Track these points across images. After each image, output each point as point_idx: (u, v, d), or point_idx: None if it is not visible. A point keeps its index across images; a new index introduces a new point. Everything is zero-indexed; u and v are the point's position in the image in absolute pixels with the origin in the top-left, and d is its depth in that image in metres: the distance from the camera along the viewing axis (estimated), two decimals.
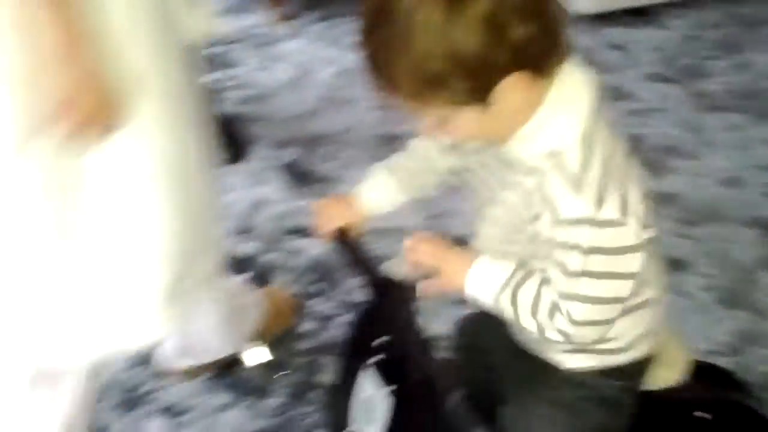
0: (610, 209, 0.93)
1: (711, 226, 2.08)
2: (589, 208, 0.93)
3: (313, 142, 2.36)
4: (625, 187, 0.95)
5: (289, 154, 2.31)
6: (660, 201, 2.13)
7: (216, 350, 1.74)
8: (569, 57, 0.97)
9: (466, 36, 0.89)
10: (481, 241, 1.10)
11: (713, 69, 2.56)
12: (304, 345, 1.83)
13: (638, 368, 1.20)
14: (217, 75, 2.50)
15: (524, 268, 1.04)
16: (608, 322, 1.03)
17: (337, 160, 2.27)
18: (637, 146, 2.28)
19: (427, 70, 0.91)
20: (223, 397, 1.73)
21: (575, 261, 0.96)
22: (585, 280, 0.97)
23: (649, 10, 2.77)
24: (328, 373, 1.65)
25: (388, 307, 1.24)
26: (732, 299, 1.91)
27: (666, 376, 1.30)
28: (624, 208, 0.94)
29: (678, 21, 2.75)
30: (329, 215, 1.24)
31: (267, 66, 2.59)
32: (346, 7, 2.81)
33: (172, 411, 1.71)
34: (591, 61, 2.56)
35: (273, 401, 1.72)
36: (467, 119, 0.95)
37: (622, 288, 1.00)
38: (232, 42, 2.62)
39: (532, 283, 1.02)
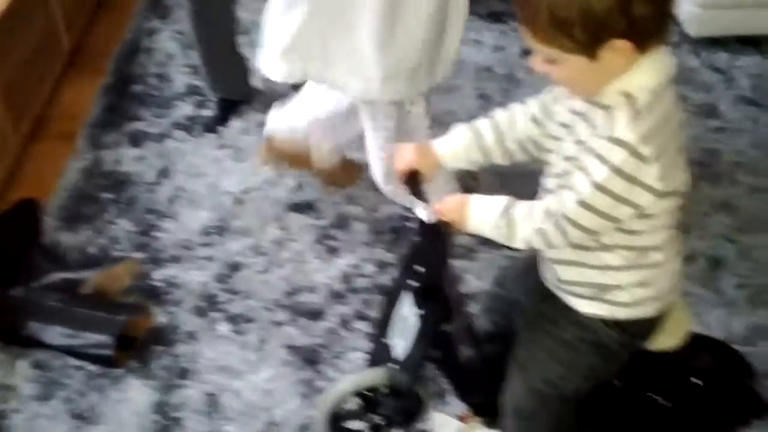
0: (648, 149, 1.17)
1: (760, 236, 2.26)
2: (636, 138, 1.17)
3: None
4: (665, 145, 1.20)
5: None
6: (720, 208, 2.33)
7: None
8: (664, 42, 1.20)
9: (600, 1, 1.12)
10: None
11: None
12: (361, 283, 2.15)
13: (640, 327, 1.40)
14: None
15: (513, 200, 1.29)
16: (594, 233, 1.25)
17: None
18: (714, 159, 2.48)
19: (560, 13, 1.14)
20: (281, 315, 2.07)
21: (600, 171, 1.19)
22: (598, 192, 1.20)
23: (758, 39, 2.91)
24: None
25: (426, 244, 1.50)
26: (759, 299, 2.10)
27: (666, 340, 1.48)
28: (657, 155, 1.18)
29: None
30: (405, 157, 1.43)
31: None
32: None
33: (236, 320, 2.06)
34: (691, 80, 2.77)
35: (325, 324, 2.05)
36: (572, 65, 1.20)
37: (621, 212, 1.22)
38: None
39: (523, 204, 1.28)
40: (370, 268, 2.18)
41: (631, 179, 1.19)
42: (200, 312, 2.08)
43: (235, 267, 2.19)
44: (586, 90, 1.24)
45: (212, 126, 2.61)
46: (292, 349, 1.99)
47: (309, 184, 2.39)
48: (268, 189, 2.40)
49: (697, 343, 1.62)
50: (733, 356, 1.68)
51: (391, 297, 1.60)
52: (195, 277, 2.16)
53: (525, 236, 1.28)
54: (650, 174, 1.19)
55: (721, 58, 2.87)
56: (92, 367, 1.94)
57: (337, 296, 2.11)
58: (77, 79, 2.85)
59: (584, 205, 1.21)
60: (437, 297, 1.49)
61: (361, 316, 2.05)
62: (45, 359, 1.96)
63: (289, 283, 2.14)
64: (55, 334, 1.94)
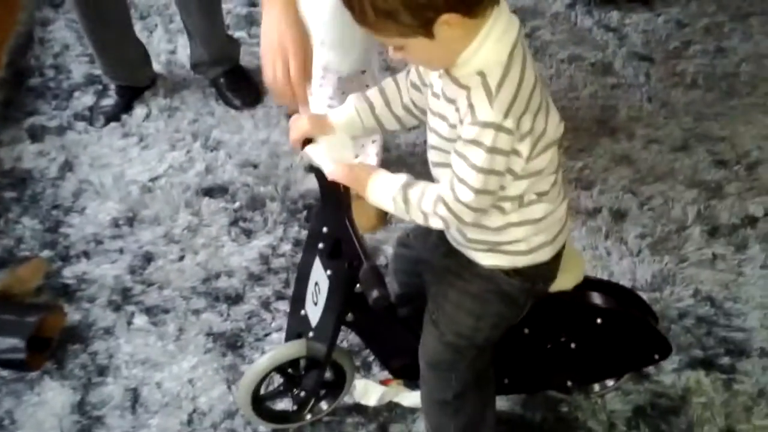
0: (511, 121, 1.23)
1: (658, 185, 2.36)
2: (498, 115, 1.23)
3: None
4: (529, 106, 1.25)
5: None
6: (620, 162, 2.42)
7: None
8: (497, 1, 1.23)
9: None
10: (430, 162, 1.40)
11: (694, 52, 2.80)
12: (279, 263, 2.15)
13: (539, 272, 1.48)
14: (242, 33, 2.85)
15: (412, 179, 1.35)
16: (485, 209, 1.32)
17: None
18: (612, 115, 2.57)
19: (381, 6, 1.18)
20: (199, 303, 2.06)
21: (477, 156, 1.25)
22: (482, 175, 1.26)
23: None
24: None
25: (326, 203, 1.54)
26: (661, 247, 2.19)
27: (564, 280, 1.56)
28: (523, 121, 1.25)
29: (672, 8, 2.98)
30: (300, 126, 1.47)
31: None
32: None
33: (153, 312, 2.05)
34: (586, 39, 2.84)
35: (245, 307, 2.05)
36: (417, 47, 1.24)
37: (507, 181, 1.30)
38: (256, 5, 2.96)
39: (418, 186, 1.34)
40: (287, 248, 2.18)
41: (507, 152, 1.26)
42: (115, 306, 2.05)
43: (148, 257, 2.16)
44: (442, 64, 1.29)
45: (114, 115, 2.56)
46: (213, 335, 1.99)
47: (219, 167, 2.38)
48: (177, 175, 2.37)
49: (600, 287, 1.72)
50: (634, 299, 1.78)
51: (303, 267, 1.63)
52: (107, 270, 2.13)
53: (421, 217, 1.34)
54: (523, 142, 1.26)
55: (613, 16, 2.95)
56: (5, 373, 1.90)
57: (255, 278, 2.11)
58: None
59: (473, 190, 1.28)
60: (343, 254, 1.50)
61: (282, 296, 2.06)
62: None
63: (205, 270, 2.13)
64: None
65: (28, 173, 2.40)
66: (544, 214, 1.40)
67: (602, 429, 1.83)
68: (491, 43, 1.24)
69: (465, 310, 1.49)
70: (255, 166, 2.40)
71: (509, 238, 1.41)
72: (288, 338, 1.69)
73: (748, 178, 2.38)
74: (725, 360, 1.95)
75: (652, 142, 2.48)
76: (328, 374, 1.72)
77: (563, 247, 1.50)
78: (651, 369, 1.91)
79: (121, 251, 2.18)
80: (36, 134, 2.52)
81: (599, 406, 1.86)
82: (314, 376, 1.66)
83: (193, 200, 2.31)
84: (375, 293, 1.35)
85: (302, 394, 1.72)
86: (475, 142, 1.24)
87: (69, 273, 2.13)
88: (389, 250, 2.10)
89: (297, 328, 1.66)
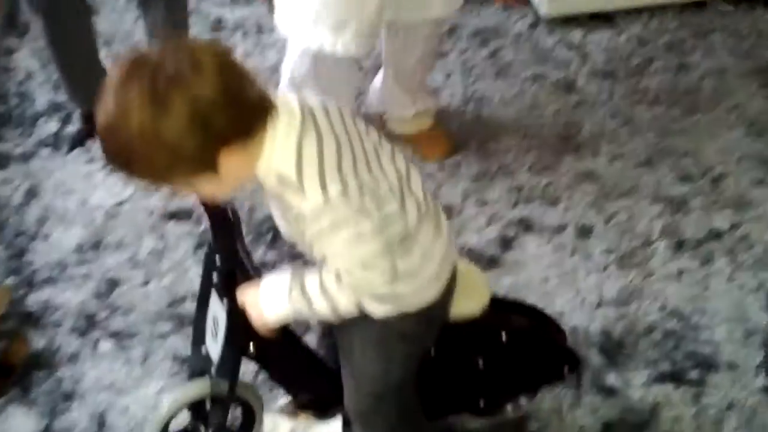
0: (334, 188, 1.20)
1: (622, 201, 2.37)
2: (318, 196, 1.20)
3: None
4: (342, 168, 1.22)
5: None
6: (584, 178, 2.44)
7: None
8: (272, 106, 1.21)
9: (177, 137, 1.12)
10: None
11: (656, 68, 2.83)
12: None
13: (431, 309, 1.44)
14: None
15: (298, 271, 1.33)
16: (389, 269, 1.28)
17: None
18: (576, 132, 2.59)
19: (157, 165, 1.15)
20: (164, 327, 2.04)
21: (339, 239, 1.22)
22: (358, 247, 1.23)
23: (611, 15, 3.04)
24: None
25: (216, 230, 1.50)
26: (628, 262, 2.21)
27: (468, 305, 1.55)
28: (344, 181, 1.21)
29: (634, 26, 3.02)
30: None
31: (257, 51, 2.93)
32: None
33: (118, 336, 2.03)
34: (549, 58, 2.87)
35: None
36: (209, 183, 1.22)
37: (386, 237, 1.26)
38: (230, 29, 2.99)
39: (312, 276, 1.31)
40: None
41: (353, 216, 1.22)
42: (80, 332, 2.03)
43: (113, 283, 2.15)
44: (238, 186, 1.27)
45: (79, 141, 2.54)
46: (179, 359, 1.97)
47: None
48: (141, 200, 2.36)
49: (503, 306, 1.71)
50: (539, 315, 1.76)
51: (200, 304, 1.57)
52: (72, 296, 2.11)
53: (325, 303, 1.32)
54: (355, 202, 1.22)
55: (575, 35, 2.98)
56: None
57: None
58: None
59: (364, 266, 1.26)
60: (239, 281, 1.46)
61: None
62: None
63: (170, 294, 2.12)
64: None
65: None
66: (419, 262, 1.37)
67: None
68: (279, 149, 1.22)
69: (370, 358, 1.47)
70: None
71: (392, 293, 1.36)
72: (192, 375, 1.61)
73: (713, 192, 2.40)
74: (694, 373, 1.96)
75: (617, 158, 2.50)
76: (236, 412, 1.65)
77: (453, 271, 1.47)
78: (619, 383, 1.92)
79: (86, 277, 2.16)
80: (0, 162, 2.50)
81: (568, 423, 1.85)
82: (220, 414, 1.58)
83: (158, 224, 2.30)
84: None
85: None
86: (329, 230, 1.22)
87: (34, 299, 2.10)
88: None
89: (199, 364, 1.59)
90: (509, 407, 1.79)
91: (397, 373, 1.49)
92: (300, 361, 1.62)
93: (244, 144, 1.18)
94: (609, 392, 1.91)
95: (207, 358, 1.55)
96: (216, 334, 1.51)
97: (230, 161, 1.18)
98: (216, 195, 1.33)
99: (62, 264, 2.19)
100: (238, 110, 1.16)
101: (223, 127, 1.14)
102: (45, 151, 2.52)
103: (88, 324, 2.05)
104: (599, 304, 2.09)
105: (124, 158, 1.17)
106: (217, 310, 1.51)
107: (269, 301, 1.35)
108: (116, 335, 2.02)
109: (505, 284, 2.14)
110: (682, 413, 1.88)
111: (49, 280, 2.15)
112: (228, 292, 1.46)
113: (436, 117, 2.56)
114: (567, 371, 1.74)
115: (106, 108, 1.17)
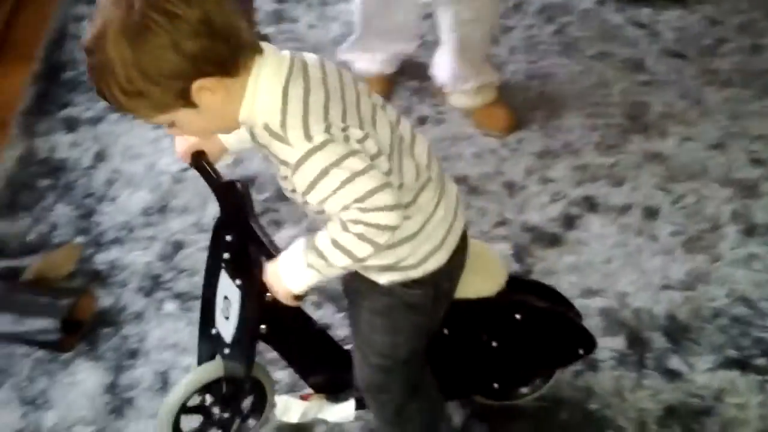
0: (318, 134, 1.17)
1: (690, 183, 2.33)
2: (303, 144, 1.18)
3: None
4: (328, 116, 1.19)
5: None
6: (651, 159, 2.40)
7: None
8: (258, 50, 1.19)
9: (152, 59, 1.11)
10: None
11: (728, 49, 2.77)
12: None
13: (436, 277, 1.41)
14: (272, 29, 2.86)
15: (309, 237, 1.29)
16: (391, 202, 1.22)
17: None
18: (644, 112, 2.54)
19: (128, 88, 1.13)
20: None
21: (325, 186, 1.18)
22: (339, 195, 1.18)
23: None
24: None
25: (226, 209, 1.46)
26: (694, 245, 2.17)
27: (484, 286, 1.53)
28: (328, 128, 1.18)
29: (706, 5, 2.95)
30: (187, 138, 1.43)
31: (320, 24, 2.93)
32: None
33: (182, 298, 2.05)
34: (617, 36, 2.83)
35: None
36: (187, 118, 1.19)
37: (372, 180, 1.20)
38: (284, 1, 2.99)
39: (320, 234, 1.27)
40: None
41: (341, 158, 1.18)
42: (146, 292, 2.07)
43: (178, 245, 2.17)
44: (221, 129, 1.26)
45: None
46: None
47: (247, 158, 2.38)
48: None
49: (521, 285, 1.67)
50: (555, 295, 1.70)
51: (208, 285, 1.54)
52: (138, 257, 2.15)
53: (340, 256, 1.27)
54: (342, 145, 1.19)
55: (644, 13, 2.93)
56: (40, 353, 1.92)
57: None
58: (7, 68, 2.78)
59: (365, 206, 1.20)
60: (252, 259, 1.41)
61: None
62: None
63: None
64: None
65: (62, 163, 2.43)
66: (419, 226, 1.35)
67: (632, 427, 1.80)
68: (263, 94, 1.19)
69: (378, 329, 1.45)
70: None
71: (394, 259, 1.36)
72: (201, 362, 1.59)
73: None
74: (761, 361, 1.92)
75: (685, 140, 2.46)
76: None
77: (463, 239, 1.44)
78: (683, 367, 1.89)
79: (152, 239, 2.19)
80: (71, 125, 2.55)
81: (629, 404, 1.83)
82: (235, 395, 1.58)
83: None
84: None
85: (225, 416, 1.62)
86: (322, 174, 1.18)
87: (101, 259, 2.14)
88: None
89: (210, 349, 1.57)
90: (524, 389, 1.78)
91: (405, 346, 1.47)
92: (312, 342, 1.60)
93: (222, 81, 1.16)
94: (672, 376, 1.88)
95: (218, 339, 1.53)
96: (228, 314, 1.48)
97: (208, 97, 1.16)
98: (198, 134, 1.33)
99: (129, 226, 2.23)
100: (217, 42, 1.14)
101: (197, 54, 1.12)
102: (113, 116, 2.56)
103: (153, 284, 2.08)
104: (665, 287, 2.06)
105: (103, 79, 1.15)
106: (228, 289, 1.48)
107: (290, 271, 1.32)
108: (180, 296, 2.05)
109: (567, 263, 2.12)
110: (748, 401, 1.84)
111: (116, 241, 2.19)
112: (241, 272, 1.43)
113: (499, 92, 2.54)
114: (582, 353, 1.69)
115: (91, 26, 1.17)
